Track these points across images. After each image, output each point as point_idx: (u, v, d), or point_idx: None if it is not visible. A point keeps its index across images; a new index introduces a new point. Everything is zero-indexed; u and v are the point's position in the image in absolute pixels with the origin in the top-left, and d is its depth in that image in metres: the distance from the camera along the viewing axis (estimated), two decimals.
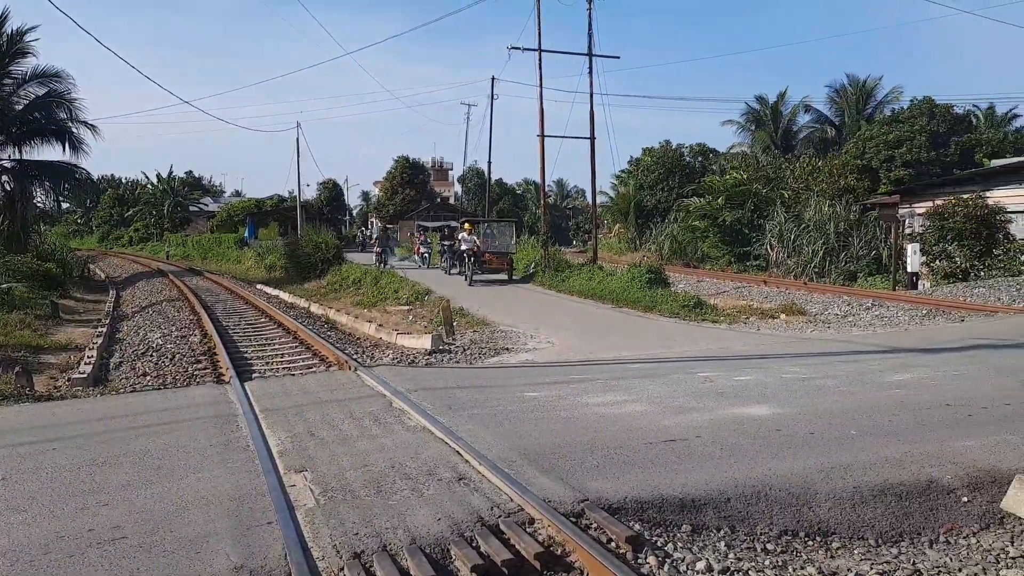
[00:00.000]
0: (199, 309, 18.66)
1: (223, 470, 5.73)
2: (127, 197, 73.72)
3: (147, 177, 70.52)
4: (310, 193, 72.01)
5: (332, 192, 74.32)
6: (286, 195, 62.90)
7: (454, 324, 14.60)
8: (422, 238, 33.48)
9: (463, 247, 24.52)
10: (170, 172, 69.46)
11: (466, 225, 25.83)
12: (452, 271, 26.90)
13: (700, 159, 51.93)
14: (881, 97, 53.05)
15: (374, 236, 40.80)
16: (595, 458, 5.79)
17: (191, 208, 68.34)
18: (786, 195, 32.45)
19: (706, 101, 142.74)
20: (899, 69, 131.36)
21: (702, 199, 35.93)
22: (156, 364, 12.00)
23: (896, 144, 42.86)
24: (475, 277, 23.64)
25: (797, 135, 55.39)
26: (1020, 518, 5.01)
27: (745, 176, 34.52)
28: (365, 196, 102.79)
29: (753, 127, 55.51)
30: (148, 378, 10.98)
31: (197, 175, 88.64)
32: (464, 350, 12.32)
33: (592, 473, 5.45)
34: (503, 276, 24.74)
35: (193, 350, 13.20)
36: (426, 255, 31.65)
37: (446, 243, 28.59)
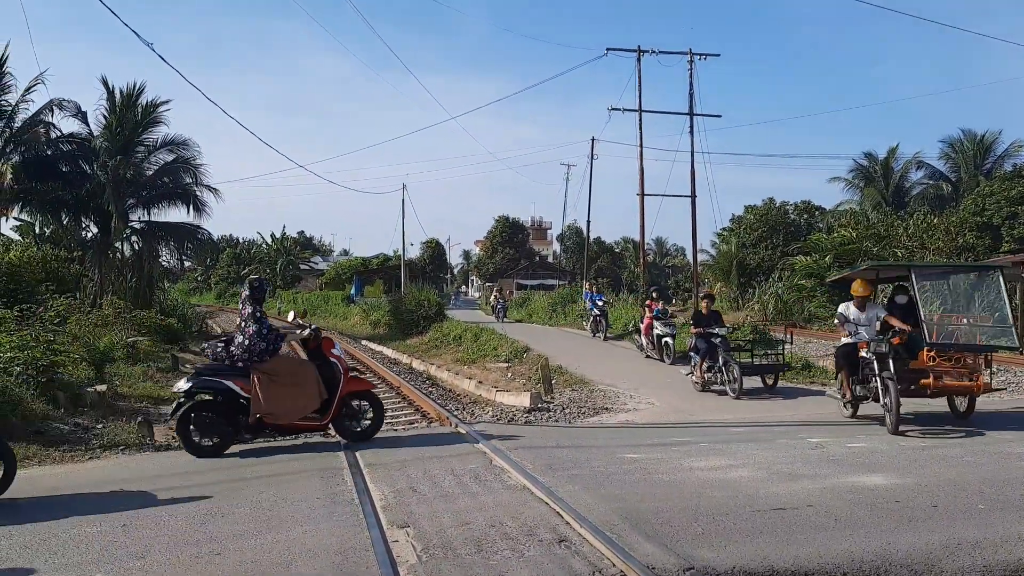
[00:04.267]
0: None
1: (329, 523, 5.84)
2: (243, 256, 77.67)
3: (262, 237, 74.39)
4: (414, 252, 73.98)
5: (435, 251, 76.22)
6: (391, 254, 64.91)
7: (552, 382, 14.57)
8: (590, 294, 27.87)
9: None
10: (283, 232, 73.08)
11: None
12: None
13: (805, 217, 50.65)
14: (1001, 151, 50.65)
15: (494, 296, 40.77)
16: (699, 525, 5.61)
17: (302, 266, 71.43)
18: (899, 253, 31.18)
19: (812, 159, 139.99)
20: (1018, 123, 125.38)
21: (808, 257, 34.91)
22: None
23: (1020, 200, 40.57)
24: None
25: (909, 192, 53.35)
26: None
27: (855, 234, 33.43)
28: (466, 255, 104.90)
29: (862, 184, 53.84)
30: None
31: (308, 235, 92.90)
32: (563, 408, 12.26)
33: (697, 541, 5.27)
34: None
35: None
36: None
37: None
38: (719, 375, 13.22)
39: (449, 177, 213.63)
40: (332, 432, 9.48)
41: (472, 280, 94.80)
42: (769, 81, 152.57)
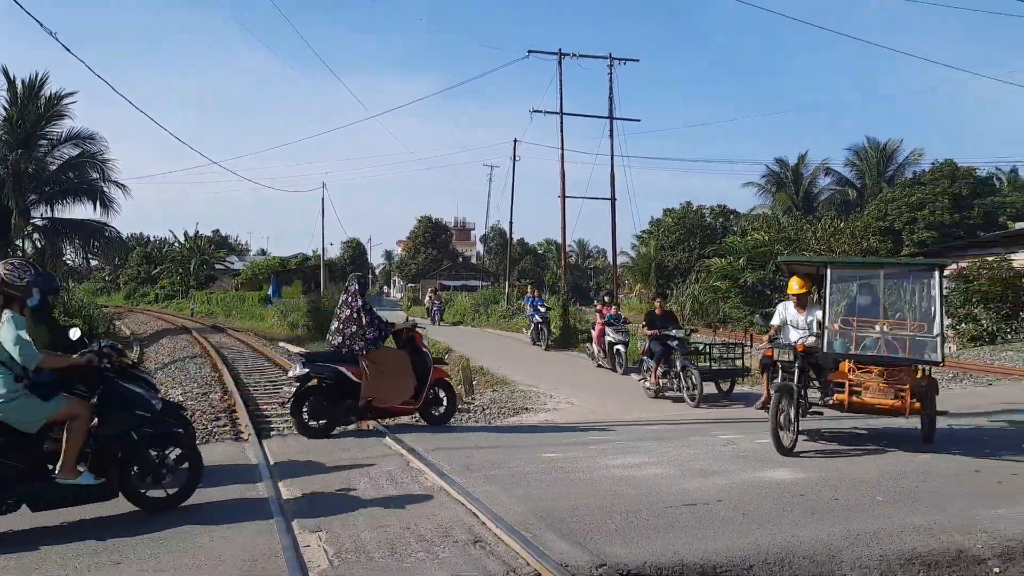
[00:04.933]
0: (221, 366, 18.76)
1: (238, 529, 5.68)
2: (154, 255, 74.98)
3: (174, 235, 71.87)
4: (334, 252, 72.88)
5: (355, 251, 75.28)
6: (310, 254, 63.74)
7: (474, 383, 14.56)
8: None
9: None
10: (196, 231, 70.73)
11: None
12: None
13: (721, 220, 52.14)
14: (902, 159, 53.28)
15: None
16: (613, 522, 5.69)
17: (217, 266, 69.32)
18: (807, 256, 32.36)
19: (727, 163, 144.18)
20: (918, 132, 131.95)
21: (723, 260, 35.89)
22: None
23: (918, 206, 42.79)
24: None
25: (818, 197, 55.57)
26: None
27: (767, 237, 34.53)
28: (388, 255, 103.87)
29: (774, 189, 55.80)
30: None
31: (224, 234, 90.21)
32: (483, 409, 12.25)
33: (611, 537, 5.34)
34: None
35: (213, 407, 13.22)
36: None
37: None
38: (676, 380, 12.50)
39: (372, 177, 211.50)
40: (418, 417, 10.20)
41: (394, 281, 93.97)
42: (687, 87, 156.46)
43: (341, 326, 9.60)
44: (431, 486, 6.92)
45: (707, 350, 13.81)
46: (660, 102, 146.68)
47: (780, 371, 8.57)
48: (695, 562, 4.89)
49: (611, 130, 28.16)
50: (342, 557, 5.01)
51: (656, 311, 13.51)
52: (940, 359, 8.31)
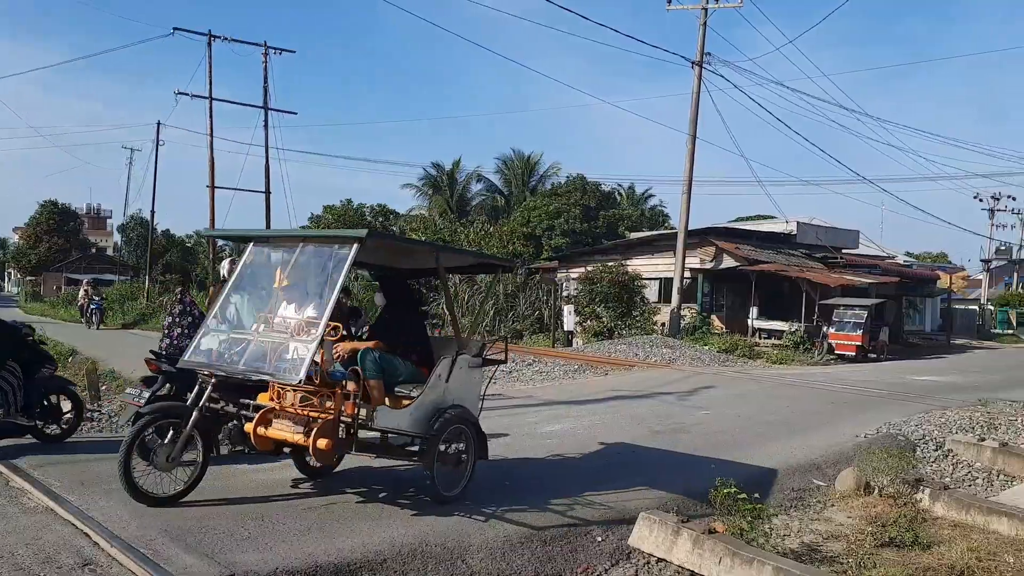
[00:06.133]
0: None
1: None
2: None
3: None
4: None
5: None
6: None
7: (101, 388, 13.05)
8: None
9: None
10: None
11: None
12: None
13: (381, 219, 53.04)
14: (543, 171, 58.66)
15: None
16: (246, 529, 5.40)
17: None
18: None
19: (387, 163, 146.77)
20: (559, 147, 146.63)
21: None
22: None
23: (556, 215, 47.47)
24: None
25: (471, 202, 59.00)
26: (643, 552, 5.57)
27: (423, 238, 35.83)
28: (2, 244, 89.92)
29: (431, 192, 58.11)
30: None
31: None
32: (110, 417, 11.01)
33: (242, 545, 5.06)
34: None
35: None
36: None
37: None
38: None
39: None
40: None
41: (9, 273, 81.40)
42: (351, 85, 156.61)
43: None
44: (35, 507, 6.02)
45: None
46: (322, 97, 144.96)
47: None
48: (329, 562, 4.82)
49: (266, 120, 27.23)
50: None
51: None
52: (298, 378, 5.24)
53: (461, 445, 6.24)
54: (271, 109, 27.28)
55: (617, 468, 7.62)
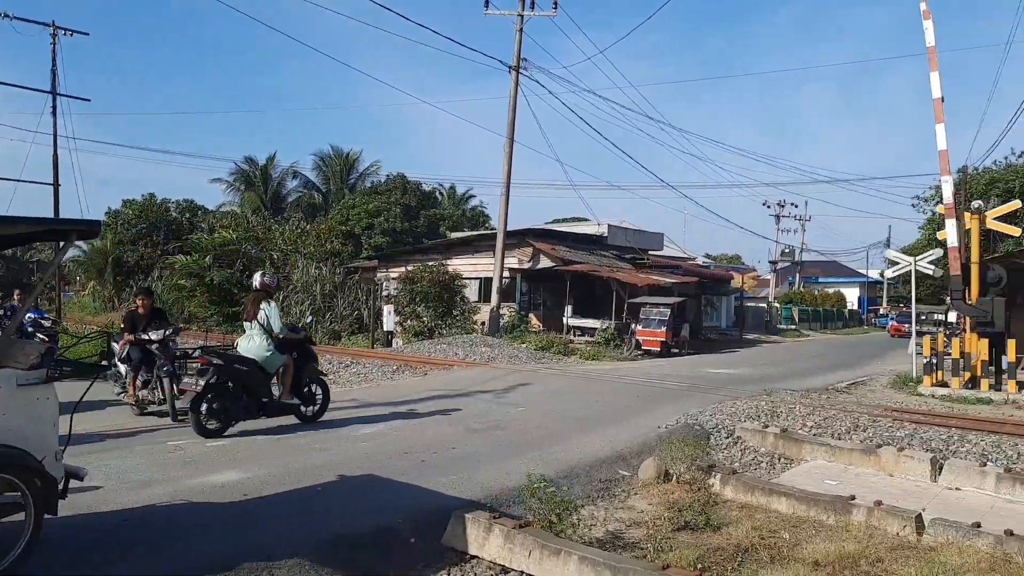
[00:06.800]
0: None
1: None
2: None
3: None
4: None
5: None
6: None
7: None
8: None
9: None
10: None
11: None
12: None
13: (188, 216, 50.11)
14: (363, 169, 57.82)
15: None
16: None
17: None
18: (276, 256, 33.01)
19: (195, 157, 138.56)
20: (380, 146, 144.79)
21: (189, 257, 34.51)
22: None
23: (376, 213, 46.96)
24: None
25: (287, 198, 57.11)
26: (457, 551, 5.62)
27: (235, 235, 34.22)
28: None
29: (243, 187, 55.66)
30: None
31: None
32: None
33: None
34: None
35: None
36: None
37: None
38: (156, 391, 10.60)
39: None
40: None
41: None
42: (156, 73, 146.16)
43: None
44: None
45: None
46: (122, 84, 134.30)
47: None
48: None
49: (54, 107, 24.93)
50: None
51: (140, 311, 10.99)
52: None
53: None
54: (60, 95, 25.04)
55: (431, 468, 7.64)
